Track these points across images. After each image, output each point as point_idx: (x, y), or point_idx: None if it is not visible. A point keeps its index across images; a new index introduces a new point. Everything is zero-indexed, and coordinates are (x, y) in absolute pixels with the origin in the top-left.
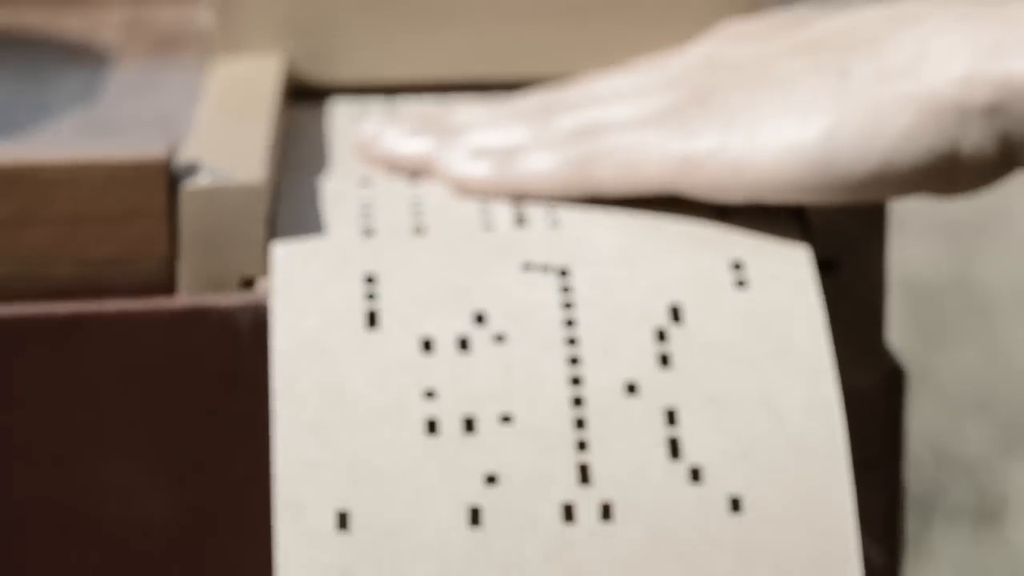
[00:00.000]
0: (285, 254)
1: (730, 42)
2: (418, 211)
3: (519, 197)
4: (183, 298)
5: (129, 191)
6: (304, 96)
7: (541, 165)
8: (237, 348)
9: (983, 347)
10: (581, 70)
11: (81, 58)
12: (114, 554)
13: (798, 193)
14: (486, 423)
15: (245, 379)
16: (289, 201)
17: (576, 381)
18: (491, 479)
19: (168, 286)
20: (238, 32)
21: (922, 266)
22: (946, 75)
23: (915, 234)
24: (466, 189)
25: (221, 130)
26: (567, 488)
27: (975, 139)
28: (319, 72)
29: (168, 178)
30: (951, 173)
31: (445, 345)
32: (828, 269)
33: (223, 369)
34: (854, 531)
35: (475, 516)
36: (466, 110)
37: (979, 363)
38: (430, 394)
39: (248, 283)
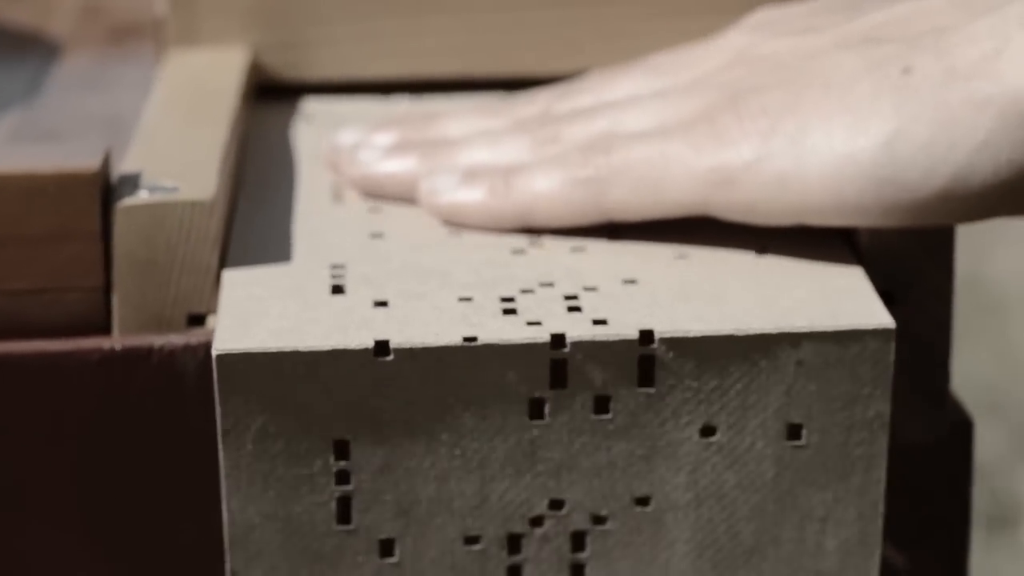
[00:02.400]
0: (236, 284)
1: (765, 33)
2: (388, 232)
3: (520, 227)
4: (118, 337)
5: (55, 209)
6: (271, 95)
7: (546, 187)
8: (181, 396)
9: (994, 348)
10: (589, 67)
11: (29, 49)
12: None
13: (852, 214)
14: None
15: (191, 431)
16: (245, 221)
17: None
18: None
19: (101, 322)
20: (195, 21)
21: None
22: None
23: None
24: (457, 220)
25: (169, 135)
26: None
27: None
28: (288, 67)
29: (101, 193)
30: None
31: None
32: (884, 303)
33: (165, 420)
34: None
35: None
36: (455, 119)
37: (990, 364)
38: None
39: (197, 320)
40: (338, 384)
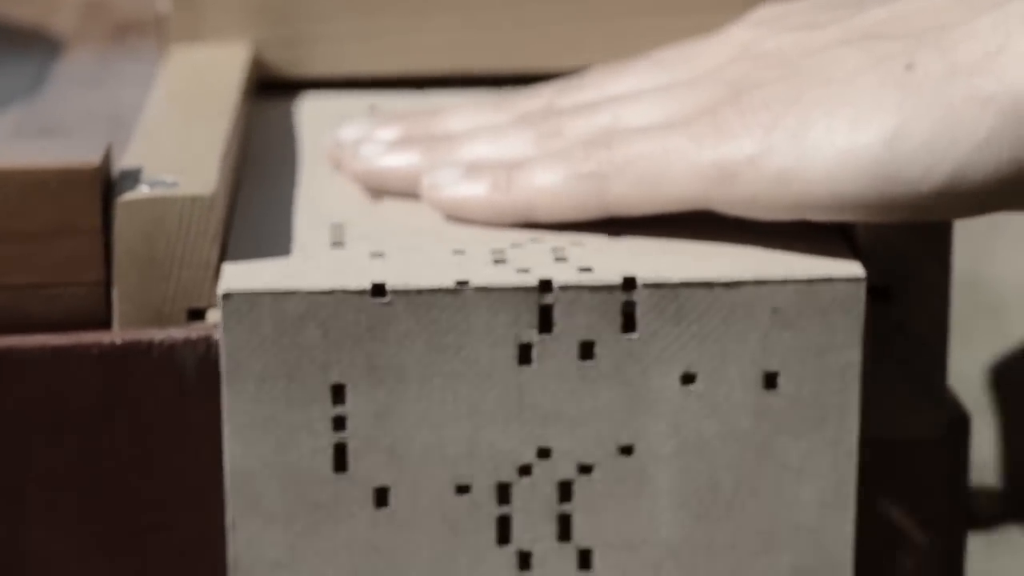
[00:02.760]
0: (236, 278)
1: (769, 28)
2: (385, 198)
3: (522, 222)
4: (119, 331)
5: (56, 204)
6: (272, 91)
7: (547, 181)
8: (182, 390)
9: (994, 349)
10: (591, 63)
11: (31, 46)
12: None
13: (853, 209)
14: None
15: (191, 426)
16: (246, 216)
17: None
18: None
19: (102, 317)
20: (198, 18)
21: None
22: None
23: None
24: (459, 214)
25: (170, 131)
26: None
27: None
28: (290, 64)
29: (102, 188)
30: None
31: None
32: (880, 298)
33: (165, 414)
34: None
35: None
36: (458, 114)
37: (990, 365)
38: None
39: (197, 315)
40: (336, 326)
